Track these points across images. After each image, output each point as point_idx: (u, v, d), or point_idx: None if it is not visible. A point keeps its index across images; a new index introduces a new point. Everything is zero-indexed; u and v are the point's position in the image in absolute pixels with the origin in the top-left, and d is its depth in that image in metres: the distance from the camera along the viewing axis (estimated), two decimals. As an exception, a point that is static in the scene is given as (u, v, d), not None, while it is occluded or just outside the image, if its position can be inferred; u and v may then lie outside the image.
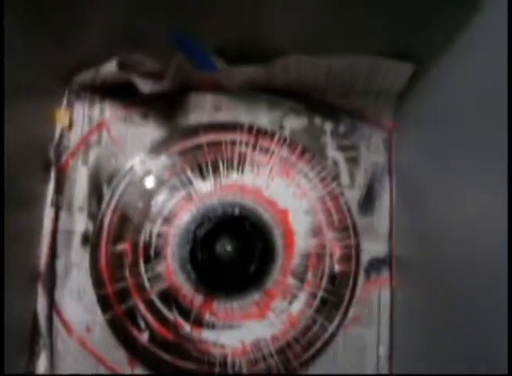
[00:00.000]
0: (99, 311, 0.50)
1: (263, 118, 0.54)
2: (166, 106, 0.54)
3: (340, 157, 0.54)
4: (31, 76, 0.44)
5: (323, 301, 0.50)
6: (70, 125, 0.52)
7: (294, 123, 0.55)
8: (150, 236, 0.50)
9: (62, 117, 0.51)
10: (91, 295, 0.50)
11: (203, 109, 0.54)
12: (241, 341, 0.49)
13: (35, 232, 0.48)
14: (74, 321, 0.50)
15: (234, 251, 0.50)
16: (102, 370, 0.49)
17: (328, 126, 0.55)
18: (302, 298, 0.50)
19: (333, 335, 0.50)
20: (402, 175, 0.54)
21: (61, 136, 0.52)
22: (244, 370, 0.49)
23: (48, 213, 0.50)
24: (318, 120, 0.55)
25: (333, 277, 0.51)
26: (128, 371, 0.50)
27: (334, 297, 0.51)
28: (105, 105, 0.54)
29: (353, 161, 0.54)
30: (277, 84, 0.53)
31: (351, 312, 0.51)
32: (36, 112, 0.47)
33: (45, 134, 0.50)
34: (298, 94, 0.54)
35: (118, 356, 0.50)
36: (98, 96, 0.53)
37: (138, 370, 0.50)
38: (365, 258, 0.52)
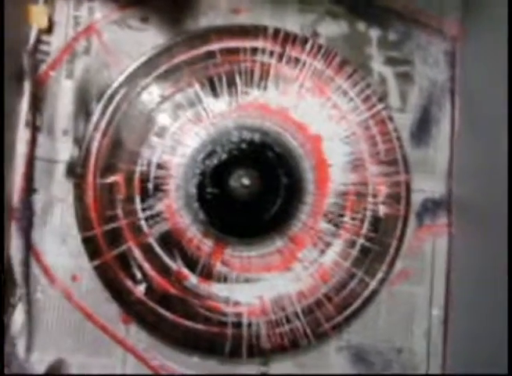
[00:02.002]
0: (86, 256, 0.42)
1: (293, 23, 0.45)
2: (171, 8, 0.45)
3: (388, 72, 0.45)
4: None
5: (364, 251, 0.42)
6: (50, 27, 0.44)
7: (331, 29, 0.45)
8: (149, 166, 0.42)
9: (38, 16, 0.42)
10: (77, 237, 0.43)
11: (217, 11, 0.45)
12: (259, 297, 0.42)
13: (6, 158, 0.40)
14: (57, 267, 0.43)
15: (253, 187, 0.41)
16: (89, 327, 0.43)
17: (374, 33, 0.45)
18: (337, 246, 0.42)
19: (374, 293, 0.42)
20: (467, 97, 0.44)
21: (38, 40, 0.43)
22: (263, 333, 0.41)
23: (22, 135, 0.42)
24: (361, 25, 0.45)
25: (376, 222, 0.43)
26: (121, 329, 0.43)
27: (377, 246, 0.42)
28: (95, 4, 0.45)
29: (405, 78, 0.45)
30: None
31: (399, 264, 0.43)
32: (6, 10, 0.39)
33: (18, 36, 0.42)
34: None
35: (109, 311, 0.43)
36: (85, -8, 0.44)
37: (133, 328, 0.42)
38: (417, 199, 0.44)
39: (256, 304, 0.42)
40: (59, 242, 0.43)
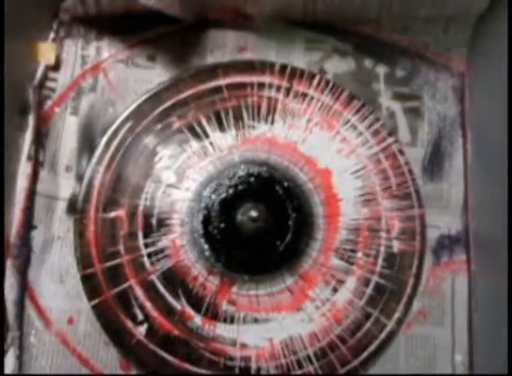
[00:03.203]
0: (84, 297, 0.41)
1: (299, 61, 0.46)
2: (177, 46, 0.47)
3: (397, 107, 0.45)
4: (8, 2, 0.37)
5: (378, 290, 0.41)
6: (57, 64, 0.45)
7: (338, 66, 0.46)
8: (153, 201, 0.42)
9: (46, 53, 0.44)
10: (76, 277, 0.42)
11: (223, 49, 0.47)
12: (269, 339, 0.40)
13: (6, 192, 0.40)
14: (53, 310, 0.41)
15: (261, 221, 0.41)
16: (86, 374, 0.40)
17: (381, 70, 0.46)
18: (350, 284, 0.41)
19: (391, 335, 0.40)
20: (478, 131, 0.44)
21: (44, 76, 0.44)
22: (273, 379, 0.39)
23: (24, 169, 0.42)
24: (368, 62, 0.46)
25: (390, 258, 0.42)
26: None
27: (393, 284, 0.41)
28: (102, 43, 0.46)
29: (414, 113, 0.45)
30: (317, 17, 0.45)
31: (416, 304, 0.41)
32: (14, 46, 0.40)
33: (25, 71, 0.43)
34: (343, 30, 0.46)
35: (107, 356, 0.41)
36: (94, 32, 0.46)
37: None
38: (433, 235, 0.43)
39: (265, 347, 0.40)
40: (56, 282, 0.42)
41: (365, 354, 0.40)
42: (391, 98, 0.45)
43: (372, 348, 0.40)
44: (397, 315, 0.41)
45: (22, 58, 0.43)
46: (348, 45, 0.47)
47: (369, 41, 0.47)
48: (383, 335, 0.40)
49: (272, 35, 0.47)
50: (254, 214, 0.40)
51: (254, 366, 0.40)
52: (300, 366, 0.40)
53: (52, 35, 0.45)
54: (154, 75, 0.46)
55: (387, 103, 0.45)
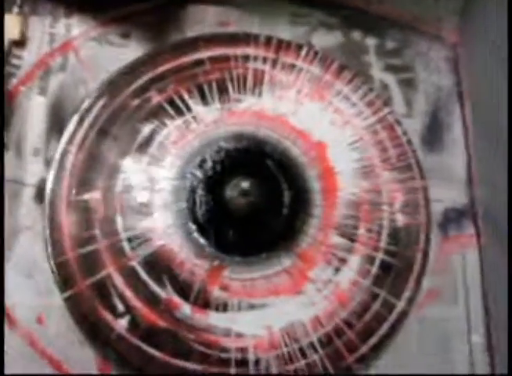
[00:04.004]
0: (56, 291, 0.37)
1: (284, 35, 0.44)
2: (154, 22, 0.44)
3: (390, 78, 0.43)
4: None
5: (384, 267, 0.38)
6: (23, 40, 0.42)
7: (326, 39, 0.45)
8: (131, 180, 0.38)
9: (10, 27, 0.41)
10: (46, 270, 0.37)
11: (203, 24, 0.44)
12: (267, 327, 0.36)
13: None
14: (20, 308, 0.37)
15: (252, 197, 0.37)
16: (58, 379, 0.35)
17: (371, 42, 0.45)
18: (353, 262, 0.38)
19: (402, 316, 0.37)
20: (476, 100, 0.43)
21: (8, 52, 0.41)
22: (274, 370, 0.35)
23: (-14, 151, 0.38)
24: (357, 35, 0.45)
25: (395, 233, 0.39)
26: (97, 379, 0.36)
27: (399, 260, 0.38)
28: (72, 21, 0.44)
29: (408, 84, 0.44)
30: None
31: (427, 283, 0.38)
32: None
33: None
34: (330, 3, 0.45)
35: (82, 357, 0.36)
36: (62, 9, 0.44)
37: (113, 377, 0.36)
38: (437, 208, 0.40)
39: (263, 335, 0.36)
40: (24, 277, 0.38)
41: (374, 339, 0.36)
42: (383, 70, 0.44)
43: (382, 331, 0.37)
44: (406, 294, 0.37)
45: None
46: (335, 19, 0.45)
47: (357, 13, 0.45)
48: (393, 317, 0.37)
49: (254, 10, 0.45)
50: (244, 185, 0.37)
51: (251, 357, 0.35)
52: (303, 355, 0.36)
53: (15, 10, 0.42)
54: (129, 53, 0.43)
55: (380, 75, 0.44)
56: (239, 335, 0.36)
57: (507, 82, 0.37)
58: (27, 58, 0.42)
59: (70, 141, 0.39)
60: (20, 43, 0.42)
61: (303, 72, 0.42)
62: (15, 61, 0.41)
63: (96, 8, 0.44)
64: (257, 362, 0.35)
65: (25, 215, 0.39)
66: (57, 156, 0.38)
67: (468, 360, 0.37)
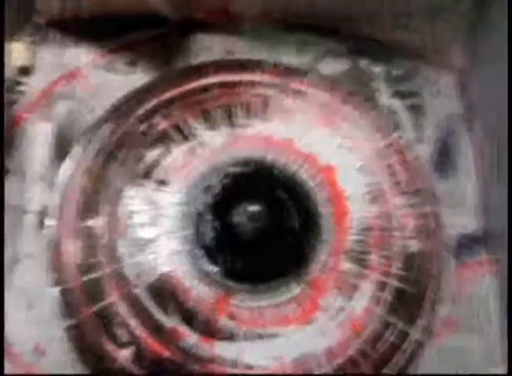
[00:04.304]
0: (57, 322, 0.35)
1: (291, 62, 0.44)
2: (160, 51, 0.45)
3: (398, 105, 0.43)
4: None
5: (397, 294, 0.36)
6: (30, 68, 0.42)
7: (332, 67, 0.45)
8: (137, 206, 0.37)
9: (18, 55, 0.41)
10: (47, 301, 0.36)
11: (210, 52, 0.45)
12: (277, 358, 0.34)
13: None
14: (20, 341, 0.35)
15: (261, 222, 0.36)
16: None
17: (378, 69, 0.45)
18: (366, 289, 0.36)
19: (419, 346, 0.35)
20: (487, 126, 0.42)
21: (15, 79, 0.41)
22: (285, 405, 0.33)
23: (-13, 174, 0.38)
24: (364, 62, 0.45)
25: (407, 259, 0.37)
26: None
27: (413, 287, 0.36)
28: (80, 49, 0.44)
29: (417, 110, 0.43)
30: (306, 18, 0.44)
31: (442, 310, 0.37)
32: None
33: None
34: (336, 31, 0.45)
35: (84, 390, 0.34)
36: (71, 38, 0.44)
37: (116, 411, 0.34)
38: (450, 234, 0.39)
39: (274, 367, 0.34)
40: (24, 308, 0.36)
41: (390, 369, 0.35)
42: (391, 96, 0.44)
43: (398, 362, 0.35)
44: (420, 322, 0.36)
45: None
46: (342, 46, 0.45)
47: (365, 41, 0.45)
48: (408, 346, 0.35)
49: (261, 38, 0.45)
50: (252, 210, 0.36)
51: (261, 390, 0.34)
52: (316, 387, 0.34)
53: (26, 39, 0.42)
54: (136, 80, 0.43)
55: (388, 102, 0.43)
56: (248, 367, 0.34)
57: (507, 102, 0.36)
58: (34, 85, 0.42)
59: (76, 166, 0.38)
60: (27, 71, 0.42)
61: (310, 97, 0.41)
62: (22, 88, 0.41)
63: (104, 36, 0.44)
64: (267, 395, 0.34)
65: (26, 242, 0.38)
66: (61, 181, 0.38)
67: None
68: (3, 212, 0.34)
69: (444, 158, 0.42)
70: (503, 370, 0.36)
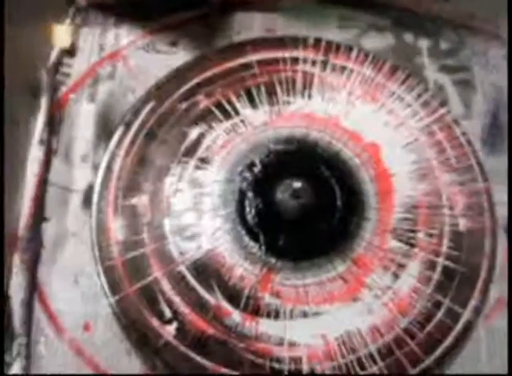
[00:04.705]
0: (103, 298, 0.36)
1: (333, 38, 0.43)
2: (201, 31, 0.44)
3: (446, 79, 0.42)
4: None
5: (447, 274, 0.35)
6: (73, 50, 0.43)
7: (376, 42, 0.44)
8: (179, 184, 0.37)
9: (61, 35, 0.41)
10: (92, 278, 0.37)
11: (250, 31, 0.44)
12: (322, 336, 0.34)
13: (14, 179, 0.36)
14: (66, 314, 0.36)
15: (305, 199, 0.36)
16: (104, 388, 0.34)
17: (424, 43, 0.43)
18: (413, 268, 0.36)
19: (469, 327, 0.34)
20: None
21: (59, 60, 0.42)
22: (330, 383, 0.33)
23: (35, 154, 0.38)
24: (409, 36, 0.43)
25: (458, 238, 0.36)
26: (144, 389, 0.34)
27: (464, 267, 0.35)
28: (121, 30, 0.44)
29: (465, 85, 0.42)
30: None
31: (495, 291, 0.35)
32: (28, 28, 0.38)
33: (39, 53, 0.40)
34: (379, 5, 0.44)
35: (129, 366, 0.35)
36: (112, 19, 0.44)
37: (161, 387, 0.34)
38: (502, 212, 0.38)
39: (318, 345, 0.34)
40: (70, 283, 0.37)
41: (439, 350, 0.34)
42: (437, 71, 0.42)
43: (446, 343, 0.34)
44: (473, 303, 0.35)
45: (36, 40, 0.40)
46: (386, 20, 0.44)
47: (408, 14, 0.44)
48: (458, 327, 0.34)
49: (301, 15, 0.44)
50: (296, 186, 0.35)
51: (305, 368, 0.33)
52: (361, 366, 0.33)
53: (68, 21, 0.43)
54: (177, 60, 0.43)
55: (434, 76, 0.42)
56: (293, 344, 0.34)
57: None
58: (77, 67, 0.43)
59: (118, 145, 0.38)
60: (71, 52, 0.42)
61: (354, 74, 0.41)
62: (65, 70, 0.42)
63: (144, 17, 0.44)
64: (311, 373, 0.33)
65: (72, 221, 0.39)
66: (105, 160, 0.38)
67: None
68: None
69: (494, 133, 0.40)
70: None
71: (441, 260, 0.36)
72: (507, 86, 0.36)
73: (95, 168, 0.40)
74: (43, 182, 0.38)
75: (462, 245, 0.36)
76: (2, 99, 0.34)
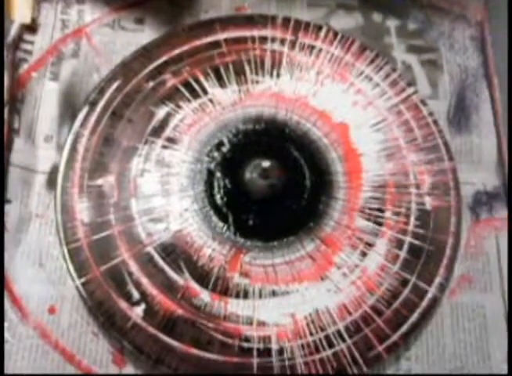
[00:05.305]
0: (68, 280, 0.35)
1: (302, 17, 0.43)
2: (168, 7, 0.43)
3: (413, 59, 0.42)
4: None
5: (414, 252, 0.36)
6: (34, 25, 0.41)
7: (345, 22, 0.44)
8: (146, 164, 0.37)
9: (21, 11, 0.40)
10: (57, 259, 0.36)
11: (218, 9, 0.44)
12: (291, 315, 0.34)
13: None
14: (31, 298, 0.36)
15: (273, 179, 0.36)
16: (71, 373, 0.34)
17: (392, 23, 0.43)
18: (381, 247, 0.36)
19: (434, 303, 0.35)
20: (505, 79, 0.41)
21: (19, 36, 0.40)
22: (298, 361, 0.33)
23: (-5, 133, 0.37)
24: (377, 16, 0.44)
25: (424, 216, 0.37)
26: (113, 372, 0.34)
27: (429, 244, 0.36)
28: (84, 7, 0.43)
29: (432, 65, 0.42)
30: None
31: (459, 268, 0.36)
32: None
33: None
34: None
35: (97, 349, 0.35)
36: (75, -5, 0.43)
37: (129, 369, 0.34)
38: (467, 191, 0.39)
39: (287, 324, 0.34)
40: (34, 265, 0.36)
41: (405, 327, 0.34)
42: (405, 51, 0.43)
43: (413, 319, 0.35)
44: (438, 280, 0.35)
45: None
46: (354, 0, 0.44)
47: (377, -5, 0.44)
48: (423, 304, 0.35)
49: (270, -6, 0.44)
50: (265, 166, 0.35)
51: (274, 347, 0.34)
52: (330, 344, 0.34)
53: (28, -4, 0.41)
54: (143, 38, 0.42)
55: (402, 57, 0.42)
56: (262, 324, 0.34)
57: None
58: (39, 44, 0.42)
59: (83, 125, 0.38)
60: (32, 29, 0.41)
61: (322, 53, 0.41)
62: (26, 46, 0.41)
63: (109, -6, 0.43)
64: (280, 351, 0.34)
65: (36, 202, 0.38)
66: (69, 140, 0.37)
67: (506, 349, 0.35)
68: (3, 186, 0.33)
69: (460, 113, 0.41)
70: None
71: (408, 238, 0.36)
72: (507, 86, 0.36)
73: (60, 148, 0.39)
74: (3, 164, 0.37)
75: (428, 223, 0.37)
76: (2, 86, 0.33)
